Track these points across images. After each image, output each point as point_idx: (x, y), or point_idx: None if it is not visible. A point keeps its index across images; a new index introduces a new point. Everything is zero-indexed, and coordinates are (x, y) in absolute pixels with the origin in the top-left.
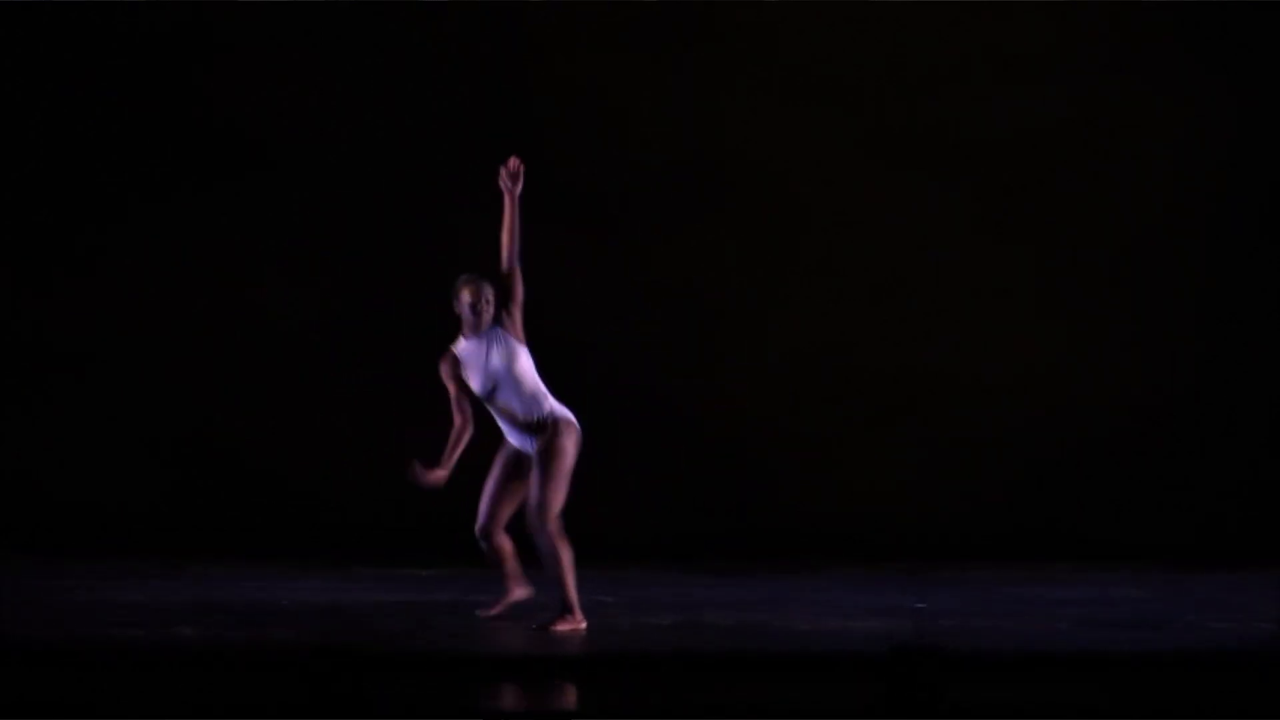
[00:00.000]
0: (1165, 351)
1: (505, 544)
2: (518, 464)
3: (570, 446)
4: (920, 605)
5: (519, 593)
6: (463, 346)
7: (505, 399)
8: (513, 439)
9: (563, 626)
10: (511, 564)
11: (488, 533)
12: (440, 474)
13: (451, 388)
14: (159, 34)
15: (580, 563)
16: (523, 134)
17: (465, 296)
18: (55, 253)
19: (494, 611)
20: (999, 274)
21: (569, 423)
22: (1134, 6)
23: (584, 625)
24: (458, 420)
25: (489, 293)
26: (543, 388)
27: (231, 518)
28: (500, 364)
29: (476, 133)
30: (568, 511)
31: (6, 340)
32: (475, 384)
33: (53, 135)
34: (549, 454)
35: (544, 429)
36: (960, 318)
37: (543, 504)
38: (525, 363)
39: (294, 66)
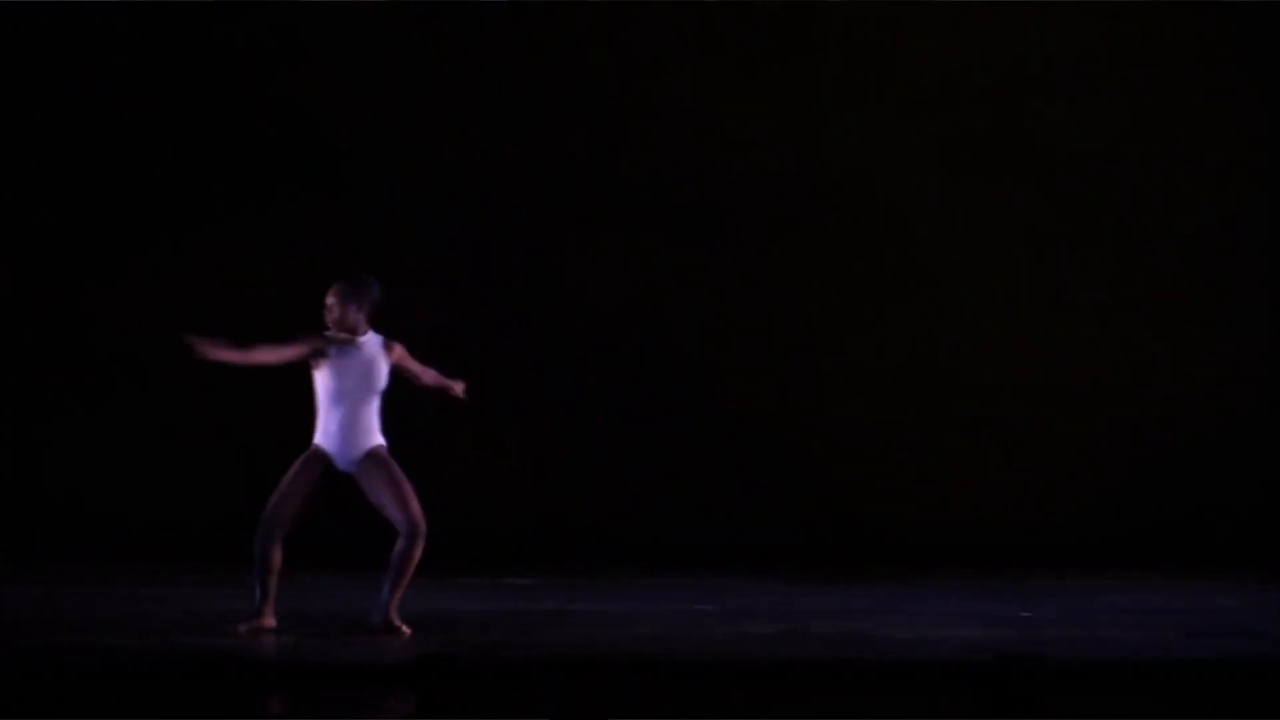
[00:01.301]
0: (1257, 359)
1: (279, 555)
2: (326, 476)
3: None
4: (1026, 614)
5: (271, 619)
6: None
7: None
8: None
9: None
10: (275, 581)
11: (276, 537)
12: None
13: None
14: (246, 41)
15: (680, 571)
16: (610, 143)
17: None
18: (130, 258)
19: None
20: (1087, 281)
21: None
22: (1225, 13)
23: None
24: (267, 354)
25: (331, 295)
26: None
27: (333, 528)
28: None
29: (564, 141)
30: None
31: (89, 351)
32: (347, 380)
33: (132, 141)
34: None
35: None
36: (1050, 325)
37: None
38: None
39: (378, 75)
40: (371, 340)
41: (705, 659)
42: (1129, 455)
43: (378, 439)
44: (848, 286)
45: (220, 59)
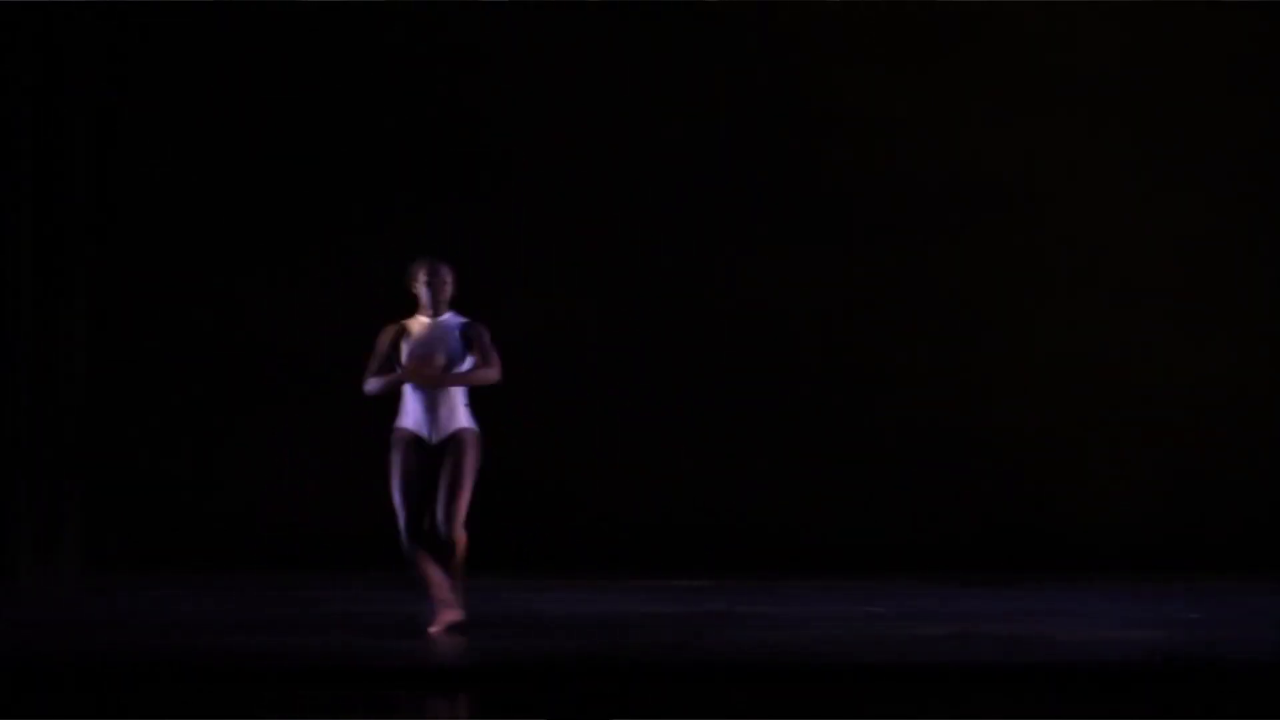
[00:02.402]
0: None
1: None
2: (418, 453)
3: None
4: (1193, 615)
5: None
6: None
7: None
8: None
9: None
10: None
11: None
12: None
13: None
14: (418, 45)
15: (850, 573)
16: (779, 149)
17: (421, 275)
18: (303, 262)
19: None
20: (1249, 283)
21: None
22: None
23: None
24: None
25: (446, 273)
26: None
27: (500, 530)
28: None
29: (734, 146)
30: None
31: (266, 353)
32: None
33: (305, 145)
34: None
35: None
36: (1211, 327)
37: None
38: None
39: (551, 78)
40: (445, 319)
41: (875, 661)
42: None
43: (463, 424)
44: (1010, 289)
45: (387, 61)
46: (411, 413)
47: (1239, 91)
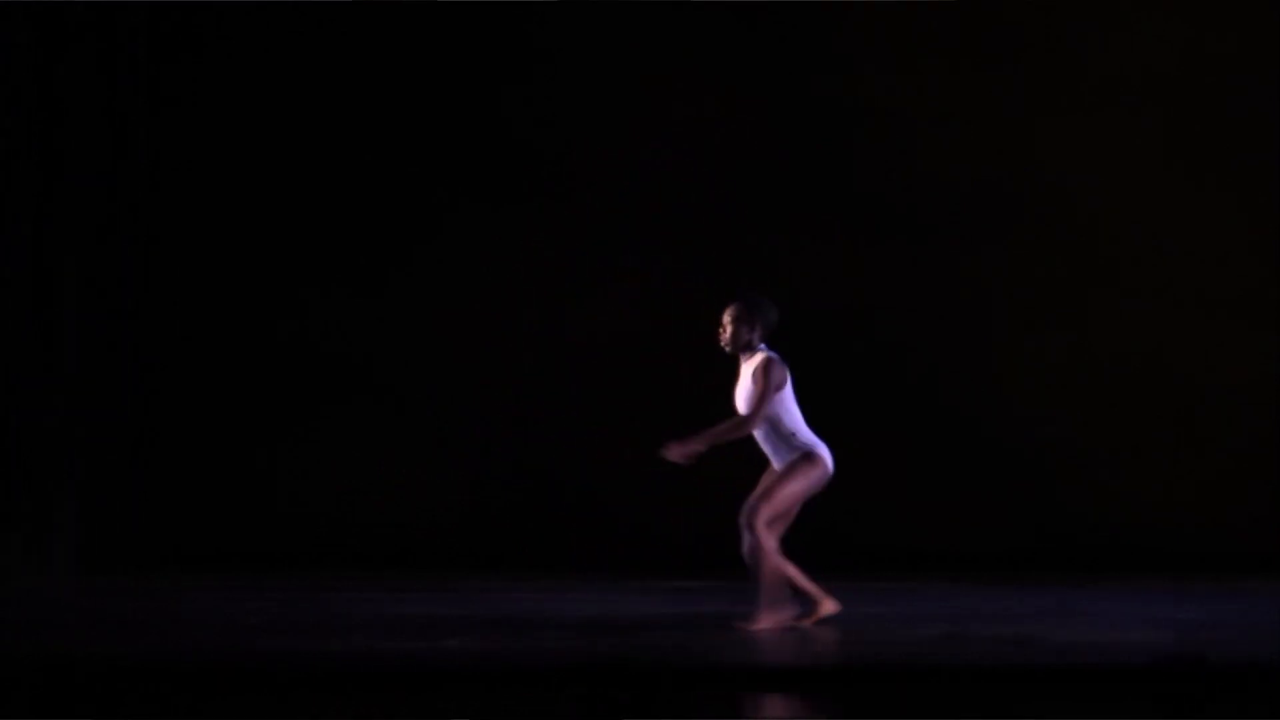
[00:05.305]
0: None
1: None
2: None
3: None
4: (1194, 616)
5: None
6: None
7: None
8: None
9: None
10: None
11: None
12: (695, 447)
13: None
14: (482, 51)
15: (851, 574)
16: (828, 150)
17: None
18: (352, 265)
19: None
20: None
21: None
22: None
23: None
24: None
25: (725, 315)
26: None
27: (507, 532)
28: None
29: (773, 146)
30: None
31: (321, 357)
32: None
33: (362, 149)
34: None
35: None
36: (1251, 328)
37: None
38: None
39: (593, 80)
40: (750, 361)
41: (869, 661)
42: None
43: (789, 455)
44: (1045, 292)
45: (531, 74)
46: None
47: (1269, 86)
